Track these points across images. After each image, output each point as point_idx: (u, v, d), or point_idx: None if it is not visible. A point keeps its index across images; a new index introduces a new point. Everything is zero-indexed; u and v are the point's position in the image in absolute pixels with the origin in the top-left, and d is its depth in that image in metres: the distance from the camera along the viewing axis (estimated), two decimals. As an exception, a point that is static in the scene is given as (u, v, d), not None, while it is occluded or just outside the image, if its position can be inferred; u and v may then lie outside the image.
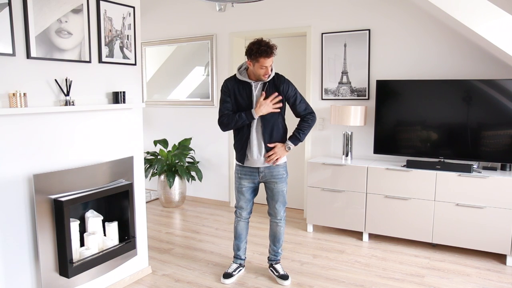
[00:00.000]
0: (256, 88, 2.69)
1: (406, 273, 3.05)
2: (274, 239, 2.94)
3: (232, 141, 2.90)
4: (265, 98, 2.65)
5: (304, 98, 2.80)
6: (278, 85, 2.70)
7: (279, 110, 2.68)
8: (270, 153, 2.69)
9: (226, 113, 2.72)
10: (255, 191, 2.90)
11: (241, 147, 2.75)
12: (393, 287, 2.83)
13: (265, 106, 2.62)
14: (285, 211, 2.93)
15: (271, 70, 2.67)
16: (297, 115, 2.81)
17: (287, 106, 2.80)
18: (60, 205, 2.21)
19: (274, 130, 2.71)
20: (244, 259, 3.05)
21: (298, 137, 2.74)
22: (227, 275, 2.93)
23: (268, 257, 3.02)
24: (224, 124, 2.72)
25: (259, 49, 2.52)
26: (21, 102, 2.08)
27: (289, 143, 2.72)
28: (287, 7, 4.34)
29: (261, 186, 2.92)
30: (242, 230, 2.96)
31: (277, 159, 2.71)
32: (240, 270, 3.02)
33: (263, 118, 2.67)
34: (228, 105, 2.73)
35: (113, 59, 2.66)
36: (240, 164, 2.81)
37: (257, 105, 2.64)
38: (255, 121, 2.68)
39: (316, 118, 2.80)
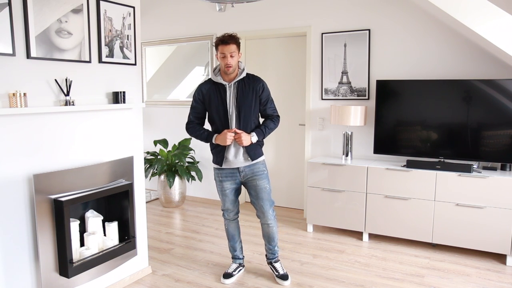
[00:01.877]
0: (231, 89, 2.68)
1: (406, 273, 3.05)
2: (268, 239, 2.90)
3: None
4: (237, 98, 2.66)
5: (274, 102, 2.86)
6: (254, 84, 2.71)
7: (231, 143, 2.66)
8: (239, 133, 2.64)
9: (192, 122, 2.80)
10: (238, 191, 2.87)
11: (220, 149, 2.73)
12: (393, 287, 2.84)
13: (223, 137, 2.63)
14: (274, 211, 2.88)
15: (243, 69, 2.70)
16: (264, 115, 2.83)
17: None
18: (60, 205, 2.21)
19: (248, 130, 2.71)
20: (242, 258, 3.04)
21: (263, 132, 2.74)
22: (227, 275, 2.93)
23: (266, 255, 3.00)
24: (188, 131, 2.83)
25: (219, 38, 2.61)
26: (21, 102, 2.08)
27: (254, 134, 2.69)
28: (287, 7, 4.34)
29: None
30: (234, 230, 2.96)
31: (239, 139, 2.65)
32: (240, 270, 3.02)
33: (239, 119, 2.68)
34: (195, 112, 2.79)
35: (113, 59, 2.66)
36: (219, 166, 2.78)
37: (219, 135, 2.67)
38: (233, 124, 2.68)
39: (279, 122, 2.84)
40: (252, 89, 2.70)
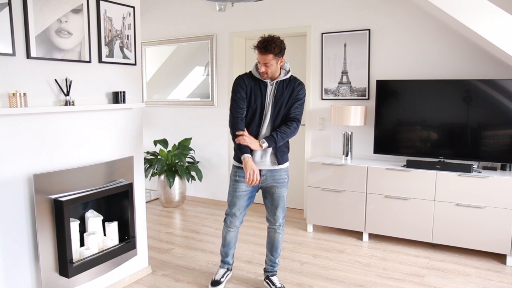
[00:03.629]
0: (272, 86, 2.57)
1: (406, 273, 3.05)
2: (272, 247, 2.77)
3: (232, 142, 2.74)
4: (275, 96, 2.56)
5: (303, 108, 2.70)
6: (294, 85, 2.59)
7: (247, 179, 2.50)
8: (244, 134, 2.53)
9: (240, 114, 2.57)
10: (251, 198, 2.71)
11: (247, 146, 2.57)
12: (393, 287, 2.84)
13: (245, 167, 2.49)
14: (284, 218, 2.78)
15: (288, 70, 2.58)
16: (286, 116, 2.63)
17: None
18: (60, 205, 2.21)
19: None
20: (232, 264, 2.90)
21: (275, 138, 2.53)
22: (216, 283, 2.80)
23: (265, 268, 2.83)
24: (233, 119, 2.58)
25: (258, 42, 2.47)
26: (21, 102, 2.08)
27: (264, 141, 2.52)
28: (287, 7, 4.35)
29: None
30: (231, 238, 2.79)
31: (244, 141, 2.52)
32: (228, 274, 2.89)
33: (274, 119, 2.57)
34: (243, 102, 2.57)
35: (113, 59, 2.65)
36: (241, 165, 2.59)
37: (252, 175, 2.49)
38: (267, 121, 2.57)
39: (298, 129, 2.62)
40: (292, 90, 2.58)
